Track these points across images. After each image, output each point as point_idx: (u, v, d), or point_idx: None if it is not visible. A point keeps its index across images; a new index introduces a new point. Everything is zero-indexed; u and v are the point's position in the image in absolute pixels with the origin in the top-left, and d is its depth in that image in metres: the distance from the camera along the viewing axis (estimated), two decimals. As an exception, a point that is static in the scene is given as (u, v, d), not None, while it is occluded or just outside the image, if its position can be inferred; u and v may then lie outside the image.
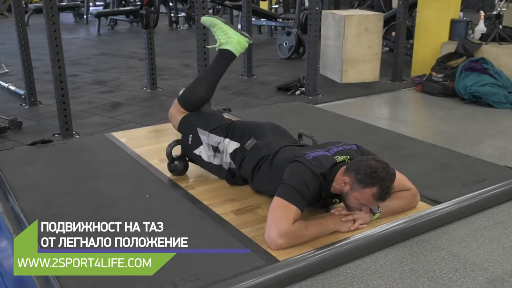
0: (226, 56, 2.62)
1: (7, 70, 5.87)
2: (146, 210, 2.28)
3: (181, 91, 3.30)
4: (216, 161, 2.50)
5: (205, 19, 2.74)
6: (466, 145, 3.32)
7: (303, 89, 4.77)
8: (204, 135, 2.51)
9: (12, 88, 4.81)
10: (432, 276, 1.87)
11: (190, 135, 2.54)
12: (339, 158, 2.13)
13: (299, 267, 1.85)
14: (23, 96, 4.50)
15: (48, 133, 3.62)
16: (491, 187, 2.46)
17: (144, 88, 5.09)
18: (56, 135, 3.59)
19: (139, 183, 2.56)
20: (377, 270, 1.91)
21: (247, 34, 2.63)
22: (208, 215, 2.23)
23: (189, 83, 2.72)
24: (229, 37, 2.59)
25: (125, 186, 2.54)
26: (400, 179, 2.17)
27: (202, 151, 2.52)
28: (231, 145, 2.44)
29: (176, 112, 2.64)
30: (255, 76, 5.66)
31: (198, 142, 2.52)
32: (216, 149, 2.48)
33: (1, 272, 1.90)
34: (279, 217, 1.94)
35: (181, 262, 1.87)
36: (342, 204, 2.13)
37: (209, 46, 2.79)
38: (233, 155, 2.44)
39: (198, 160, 2.57)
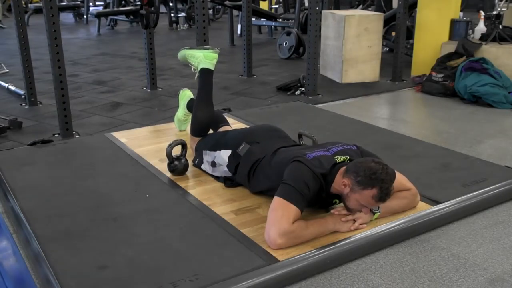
0: (204, 74, 2.82)
1: (7, 70, 5.87)
2: (146, 210, 2.28)
3: (181, 92, 3.31)
4: (217, 173, 2.58)
5: (179, 56, 2.96)
6: (466, 145, 3.32)
7: (303, 89, 4.77)
8: (204, 155, 2.64)
9: (12, 88, 4.81)
10: (432, 276, 1.87)
11: (197, 159, 2.70)
12: (339, 159, 2.13)
13: (299, 267, 1.85)
14: (23, 96, 4.50)
15: (48, 133, 3.62)
16: (491, 187, 2.47)
17: (144, 88, 5.09)
18: (56, 135, 3.59)
19: (139, 183, 2.56)
20: (377, 270, 1.92)
21: (208, 47, 2.86)
22: (208, 215, 2.23)
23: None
24: (197, 58, 2.83)
25: (125, 186, 2.54)
26: (400, 179, 2.18)
27: (206, 166, 2.63)
28: (225, 154, 2.50)
29: (193, 143, 2.80)
30: (255, 76, 5.66)
31: (201, 161, 2.67)
32: (213, 164, 2.58)
33: (1, 272, 1.90)
34: (279, 217, 1.94)
35: (181, 262, 1.87)
36: (342, 204, 2.13)
37: (195, 78, 2.97)
38: (229, 163, 2.48)
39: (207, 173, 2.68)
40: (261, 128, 2.62)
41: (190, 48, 2.89)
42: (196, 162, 2.72)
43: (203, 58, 2.80)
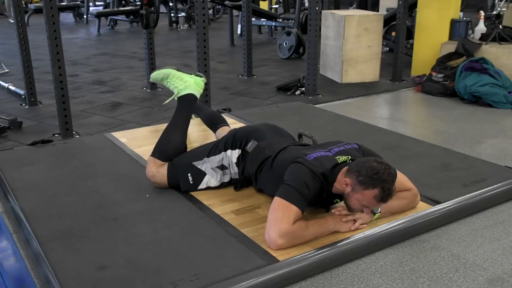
0: (189, 100, 2.61)
1: (7, 70, 5.87)
2: (146, 210, 2.28)
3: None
4: (226, 178, 2.47)
5: (156, 74, 2.70)
6: (466, 145, 3.32)
7: (303, 89, 4.77)
8: (204, 164, 2.44)
9: (12, 88, 4.81)
10: (432, 276, 1.87)
11: (189, 174, 2.43)
12: (341, 159, 2.13)
13: (299, 267, 1.85)
14: (23, 96, 4.50)
15: (48, 133, 3.62)
16: (491, 187, 2.47)
17: (144, 88, 5.09)
18: (56, 135, 3.59)
19: (139, 183, 2.56)
20: (377, 270, 1.92)
21: (200, 74, 2.67)
22: (208, 215, 2.23)
23: (159, 137, 2.59)
24: (185, 82, 2.61)
25: (125, 186, 2.54)
26: (401, 179, 2.17)
27: (210, 180, 2.45)
28: (234, 154, 2.43)
29: (157, 167, 2.46)
30: (255, 76, 5.66)
31: (200, 175, 2.44)
32: (222, 167, 2.45)
33: (1, 272, 1.90)
34: (279, 217, 1.94)
35: (181, 262, 1.87)
36: (342, 203, 2.13)
37: (166, 102, 2.74)
38: (237, 163, 2.44)
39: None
40: (264, 126, 2.57)
41: (177, 70, 2.66)
42: (191, 180, 2.42)
43: (193, 83, 2.61)
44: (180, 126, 2.58)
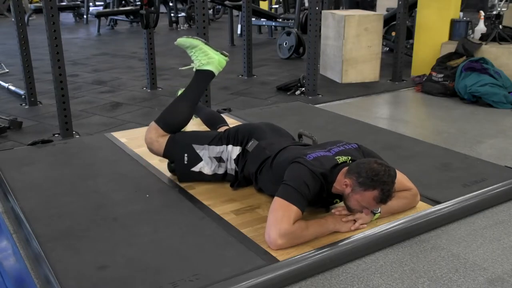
0: (206, 76, 2.61)
1: (7, 70, 5.87)
2: (146, 210, 2.28)
3: (179, 92, 3.30)
4: (221, 171, 2.49)
5: (184, 41, 2.65)
6: (466, 145, 3.32)
7: (303, 89, 4.77)
8: (203, 150, 2.47)
9: (12, 88, 4.81)
10: (432, 276, 1.87)
11: (186, 154, 2.47)
12: (341, 159, 2.13)
13: (299, 267, 1.85)
14: (23, 96, 4.50)
15: (48, 133, 3.62)
16: (491, 187, 2.47)
17: (144, 88, 5.09)
18: (56, 135, 3.59)
19: (139, 183, 2.56)
20: (377, 270, 1.92)
21: (226, 53, 2.64)
22: (208, 215, 2.23)
23: (167, 106, 2.63)
24: (210, 58, 2.59)
25: (125, 186, 2.54)
26: (401, 179, 2.17)
27: (204, 166, 2.47)
28: (235, 151, 2.44)
29: (157, 136, 2.52)
30: (255, 76, 5.66)
31: (196, 159, 2.47)
32: (219, 159, 2.46)
33: (1, 272, 1.90)
34: (279, 217, 1.94)
35: (181, 262, 1.87)
36: (342, 203, 2.13)
37: (183, 68, 2.72)
38: (237, 160, 2.44)
39: (196, 176, 2.50)
40: (265, 125, 2.57)
41: (205, 43, 2.63)
42: (186, 160, 2.46)
43: (217, 61, 2.58)
44: (191, 99, 2.61)
